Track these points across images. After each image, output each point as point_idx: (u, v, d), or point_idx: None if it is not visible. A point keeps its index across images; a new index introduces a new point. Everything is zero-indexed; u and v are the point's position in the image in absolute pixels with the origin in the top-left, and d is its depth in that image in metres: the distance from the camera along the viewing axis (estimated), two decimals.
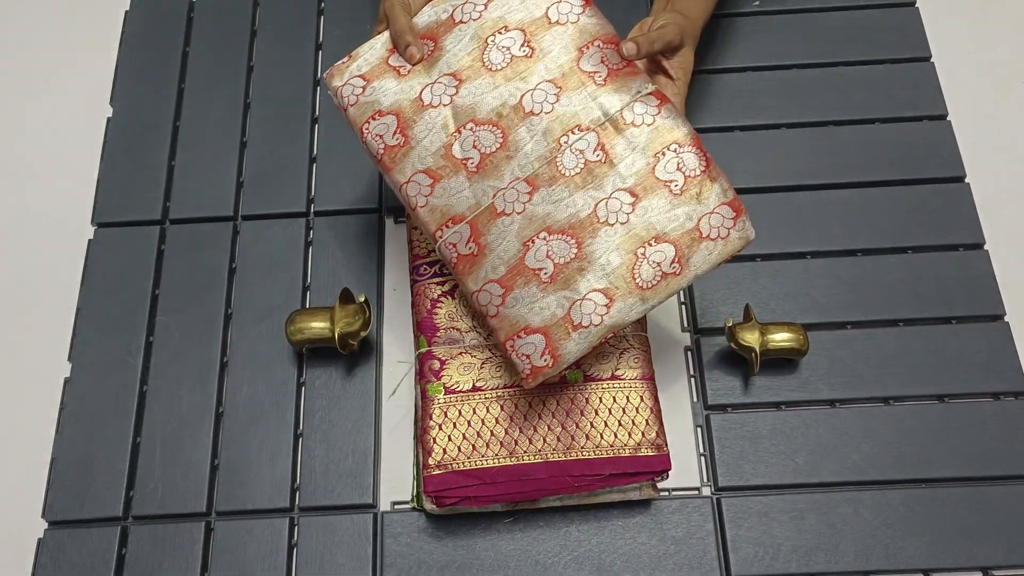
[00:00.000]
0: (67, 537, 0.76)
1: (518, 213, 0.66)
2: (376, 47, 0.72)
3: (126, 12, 1.00)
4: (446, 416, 0.73)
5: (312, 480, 0.78)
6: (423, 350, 0.75)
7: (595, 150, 0.65)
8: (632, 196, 0.65)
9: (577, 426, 0.72)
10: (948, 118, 0.92)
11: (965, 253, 0.86)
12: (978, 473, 0.77)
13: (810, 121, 0.92)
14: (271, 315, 0.84)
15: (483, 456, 0.71)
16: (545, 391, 0.73)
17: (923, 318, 0.83)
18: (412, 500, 0.77)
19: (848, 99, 0.93)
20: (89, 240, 0.88)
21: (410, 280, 0.79)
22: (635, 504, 0.76)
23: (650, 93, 0.67)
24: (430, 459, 0.72)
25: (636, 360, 0.75)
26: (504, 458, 0.71)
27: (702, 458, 0.79)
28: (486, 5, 0.69)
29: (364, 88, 0.70)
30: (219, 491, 0.78)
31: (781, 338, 0.77)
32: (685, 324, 0.84)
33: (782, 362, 0.81)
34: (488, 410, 0.73)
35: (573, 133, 0.66)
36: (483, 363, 0.75)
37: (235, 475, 0.78)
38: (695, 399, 0.81)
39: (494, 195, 0.67)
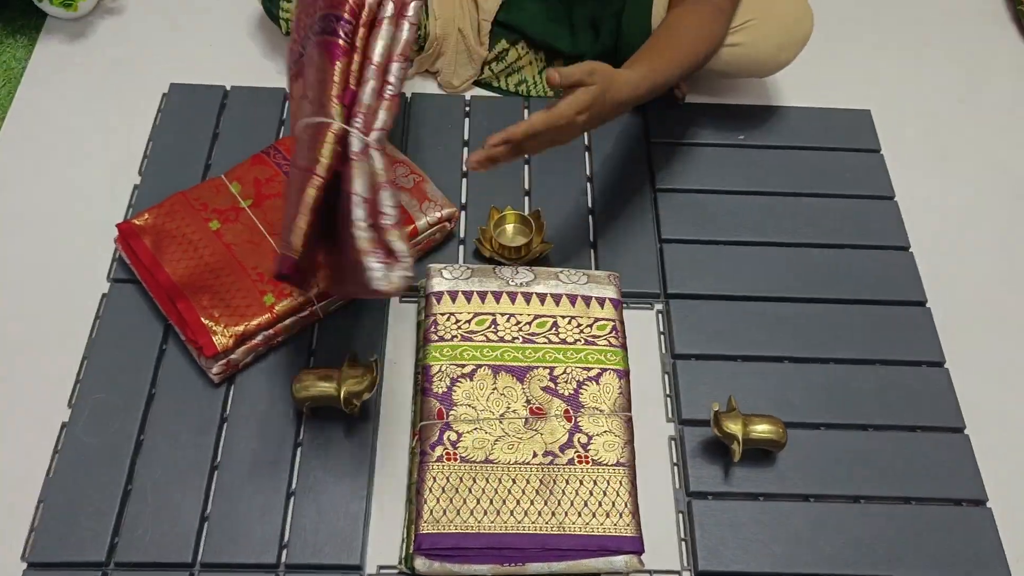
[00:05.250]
0: None
1: None
2: None
3: (163, 94, 1.08)
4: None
5: (301, 538, 0.78)
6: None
7: None
8: None
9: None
10: (910, 249, 1.02)
11: (927, 370, 0.93)
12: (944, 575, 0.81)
13: (787, 241, 1.01)
14: (275, 374, 0.87)
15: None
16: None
17: (890, 425, 0.89)
18: (400, 563, 0.77)
19: (819, 226, 1.03)
20: (103, 293, 0.91)
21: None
22: None
23: None
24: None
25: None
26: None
27: (683, 543, 0.81)
28: None
29: None
30: (206, 543, 0.78)
31: (762, 429, 0.82)
32: (670, 415, 0.89)
33: (760, 455, 0.85)
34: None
35: None
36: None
37: (224, 528, 0.78)
38: (677, 486, 0.85)
39: None
